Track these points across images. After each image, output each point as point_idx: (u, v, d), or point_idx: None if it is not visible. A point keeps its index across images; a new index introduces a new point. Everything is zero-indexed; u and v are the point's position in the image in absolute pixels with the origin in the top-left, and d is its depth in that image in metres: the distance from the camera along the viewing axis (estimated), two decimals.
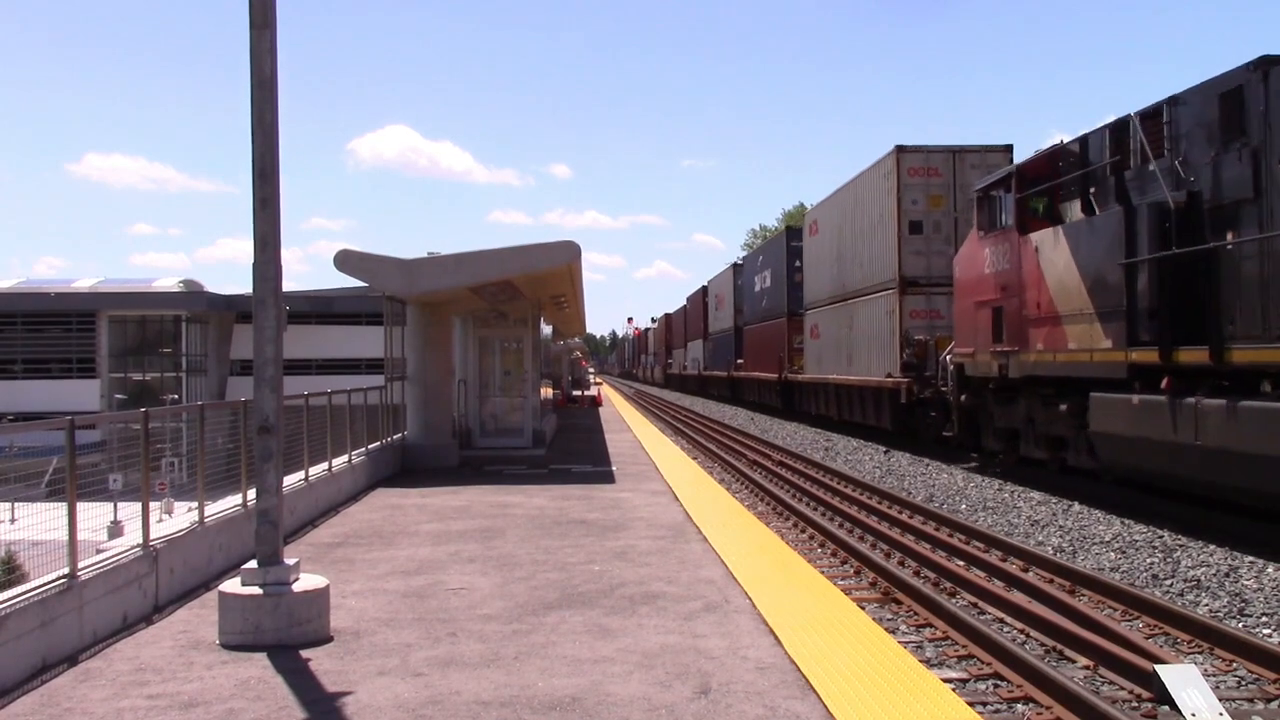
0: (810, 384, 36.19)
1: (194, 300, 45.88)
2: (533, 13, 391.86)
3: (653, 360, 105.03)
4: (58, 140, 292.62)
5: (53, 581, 7.46)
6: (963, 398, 21.33)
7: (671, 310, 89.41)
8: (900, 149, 26.07)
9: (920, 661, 7.54)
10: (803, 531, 15.17)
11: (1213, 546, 12.74)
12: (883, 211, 27.10)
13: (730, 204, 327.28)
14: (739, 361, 51.02)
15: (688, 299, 75.85)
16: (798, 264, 38.58)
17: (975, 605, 10.47)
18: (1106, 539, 13.64)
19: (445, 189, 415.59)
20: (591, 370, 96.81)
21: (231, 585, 7.99)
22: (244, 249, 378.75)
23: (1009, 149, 25.75)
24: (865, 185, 29.13)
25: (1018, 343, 18.08)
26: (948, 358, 22.35)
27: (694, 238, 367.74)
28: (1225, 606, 10.18)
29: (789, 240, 40.54)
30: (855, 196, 30.16)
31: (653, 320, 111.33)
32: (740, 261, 56.60)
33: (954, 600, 10.49)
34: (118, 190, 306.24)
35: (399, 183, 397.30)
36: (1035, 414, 18.21)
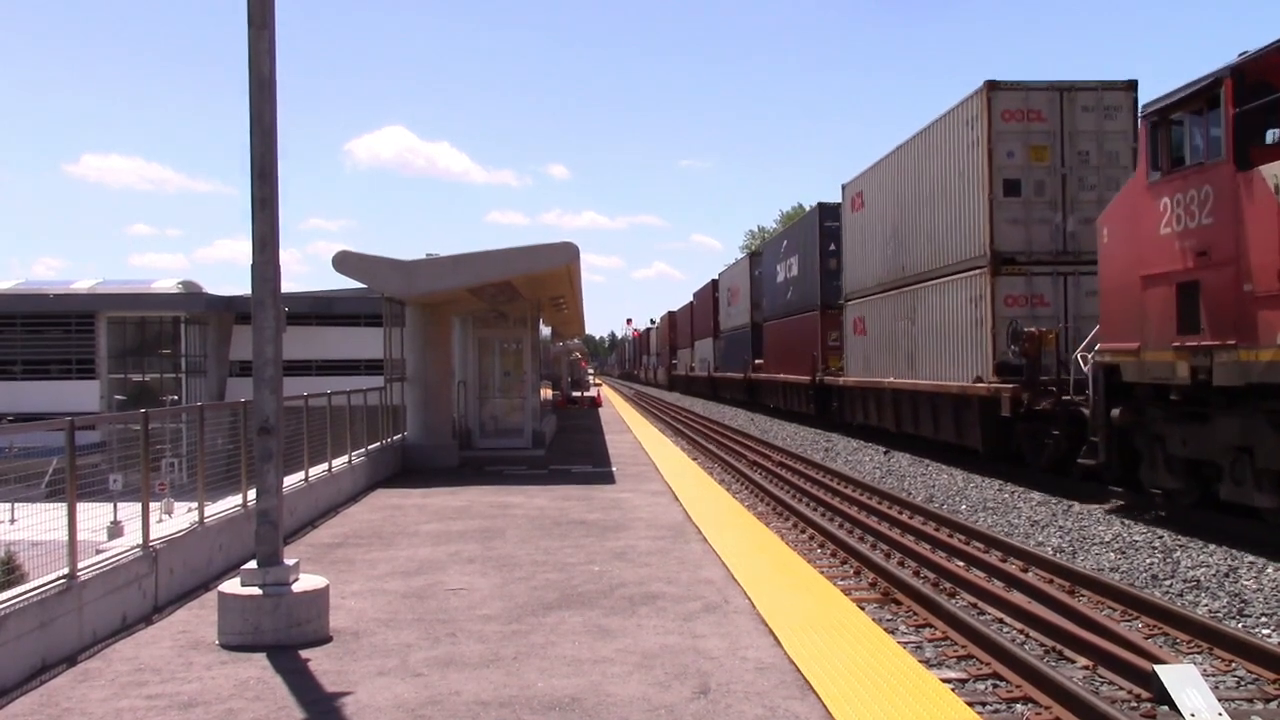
0: (855, 389, 30.44)
1: (193, 301, 45.82)
2: (530, 13, 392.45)
3: (655, 361, 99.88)
4: (54, 141, 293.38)
5: (52, 582, 7.47)
6: (1114, 413, 15.30)
7: (675, 308, 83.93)
8: (992, 85, 20.42)
9: (920, 662, 7.55)
10: (803, 532, 15.17)
11: (1212, 547, 12.74)
12: (965, 169, 21.56)
13: (728, 204, 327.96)
14: (757, 362, 45.50)
15: (695, 294, 70.40)
16: (833, 248, 33.21)
17: (975, 605, 10.47)
18: (1106, 539, 13.64)
19: (443, 189, 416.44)
20: (591, 371, 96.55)
21: (231, 586, 8.00)
22: (242, 250, 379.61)
23: (1132, 86, 20.40)
24: (938, 138, 23.21)
25: (1232, 334, 12.60)
26: (1086, 357, 16.48)
27: (692, 238, 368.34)
28: (1225, 607, 10.18)
29: (822, 220, 34.58)
30: (922, 155, 24.26)
31: (652, 321, 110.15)
32: (758, 249, 51.74)
33: (953, 601, 10.49)
34: (115, 191, 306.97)
35: (397, 183, 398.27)
36: (1256, 439, 12.51)
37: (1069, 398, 17.87)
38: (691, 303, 71.71)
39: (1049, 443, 18.45)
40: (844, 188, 31.84)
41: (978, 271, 21.05)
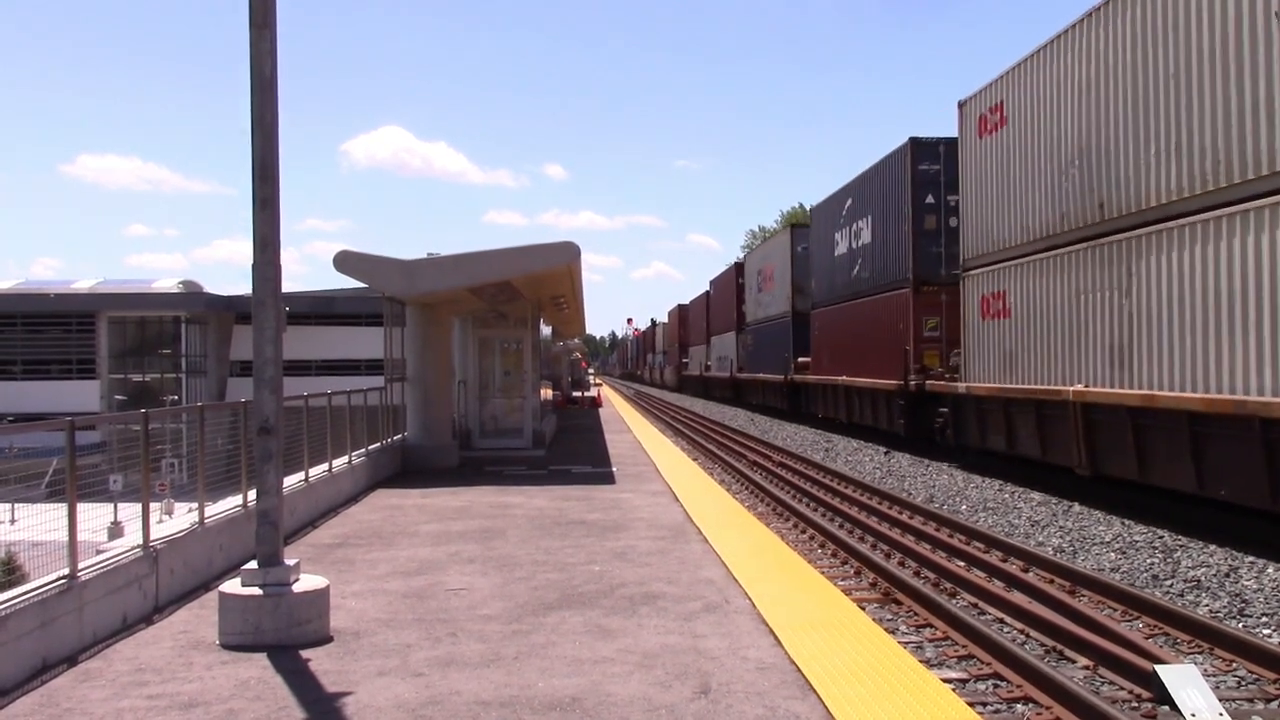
0: (993, 401, 19.88)
1: (193, 301, 45.85)
2: (527, 13, 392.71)
3: (661, 360, 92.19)
4: (50, 141, 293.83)
5: (53, 582, 7.46)
6: None
7: (685, 301, 76.47)
8: None
9: (920, 662, 7.55)
10: (803, 532, 15.17)
11: (1213, 547, 12.75)
12: None
13: (726, 205, 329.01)
14: (801, 360, 36.61)
15: (711, 282, 61.51)
16: (930, 200, 24.56)
17: (975, 605, 10.47)
18: (1107, 539, 13.64)
19: (440, 190, 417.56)
20: (591, 371, 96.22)
21: (231, 586, 8.00)
22: (240, 250, 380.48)
23: None
24: None
25: None
26: None
27: (690, 238, 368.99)
28: (1225, 607, 10.18)
29: (914, 162, 24.86)
30: (1158, 10, 14.52)
31: (653, 321, 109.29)
32: (799, 220, 42.69)
33: (954, 601, 10.49)
34: (112, 191, 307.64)
35: (394, 184, 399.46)
36: None
37: None
38: (707, 292, 62.73)
39: None
40: (962, 105, 21.70)
41: None
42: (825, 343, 33.71)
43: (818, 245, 35.32)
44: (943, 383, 22.88)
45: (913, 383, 24.31)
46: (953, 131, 22.79)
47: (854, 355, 29.79)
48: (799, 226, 40.73)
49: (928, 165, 24.82)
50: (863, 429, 30.10)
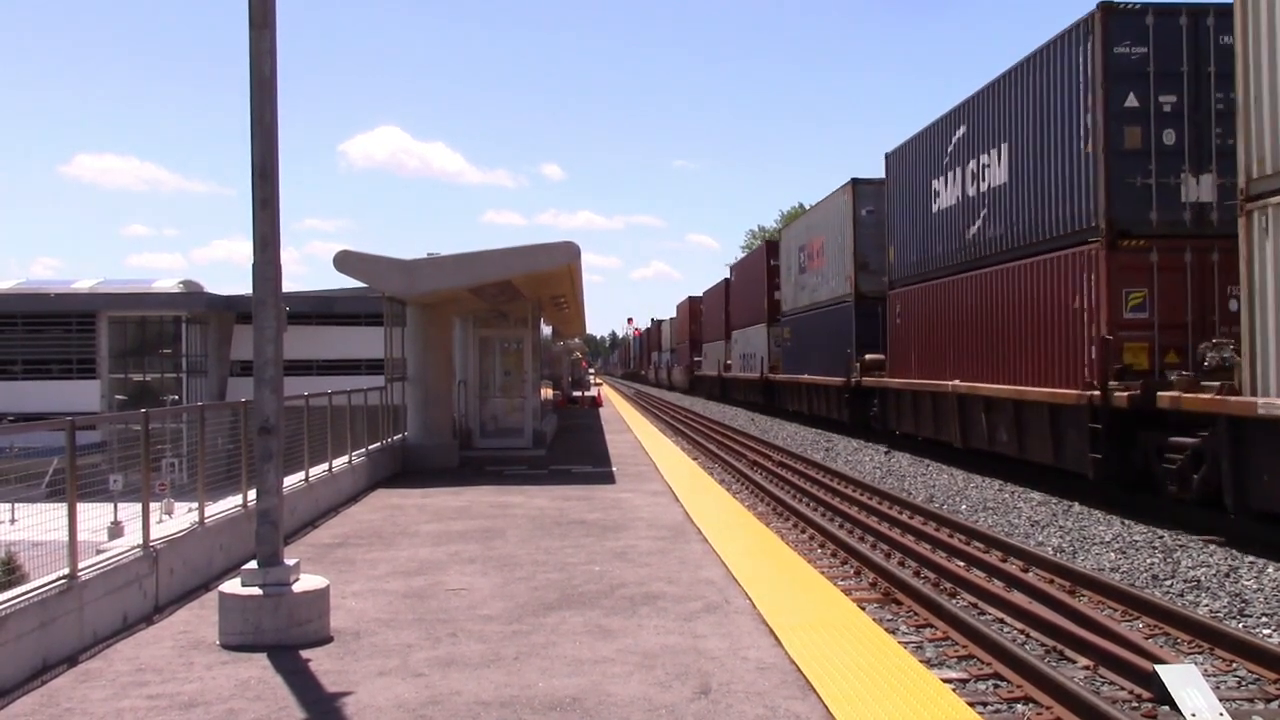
0: None
1: (194, 301, 45.85)
2: (524, 13, 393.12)
3: (669, 358, 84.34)
4: (48, 141, 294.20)
5: (53, 582, 7.46)
6: None
7: (693, 296, 69.93)
8: None
9: (920, 662, 7.55)
10: (803, 532, 15.17)
11: (1213, 547, 12.75)
12: None
13: (725, 205, 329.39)
14: (870, 358, 28.52)
15: (732, 269, 55.02)
16: (1132, 103, 15.86)
17: (975, 606, 10.47)
18: (1107, 539, 13.64)
19: (438, 189, 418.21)
20: (591, 371, 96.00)
21: (231, 586, 8.00)
22: (239, 250, 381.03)
23: None
24: None
25: None
26: None
27: (689, 238, 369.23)
28: (1225, 607, 10.19)
29: (1107, 43, 15.87)
30: None
31: (653, 320, 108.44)
32: (865, 179, 30.24)
33: (954, 601, 10.49)
34: (110, 191, 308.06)
35: (392, 184, 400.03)
36: None
37: None
38: (727, 280, 54.55)
39: None
40: None
41: None
42: (915, 334, 24.85)
43: (899, 202, 26.42)
44: (1202, 396, 13.56)
45: (1117, 394, 15.29)
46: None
47: (974, 351, 20.94)
48: (863, 182, 30.27)
49: (1128, 48, 16.03)
50: (1000, 461, 20.49)
